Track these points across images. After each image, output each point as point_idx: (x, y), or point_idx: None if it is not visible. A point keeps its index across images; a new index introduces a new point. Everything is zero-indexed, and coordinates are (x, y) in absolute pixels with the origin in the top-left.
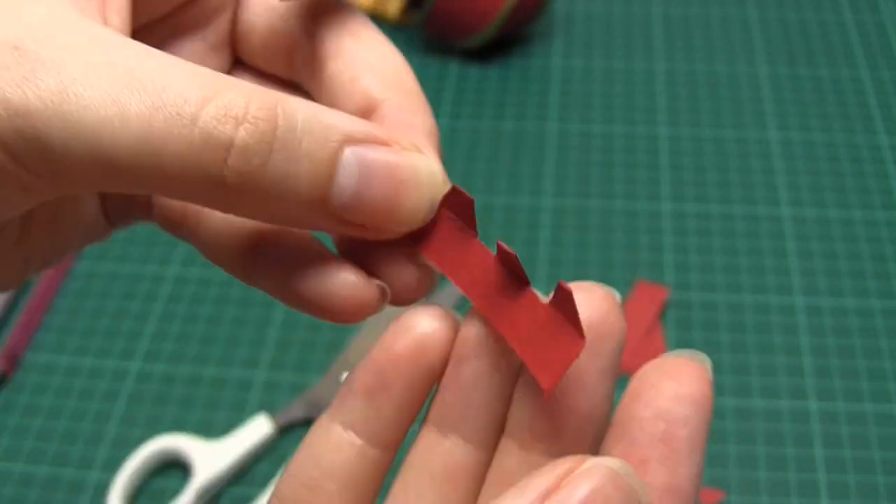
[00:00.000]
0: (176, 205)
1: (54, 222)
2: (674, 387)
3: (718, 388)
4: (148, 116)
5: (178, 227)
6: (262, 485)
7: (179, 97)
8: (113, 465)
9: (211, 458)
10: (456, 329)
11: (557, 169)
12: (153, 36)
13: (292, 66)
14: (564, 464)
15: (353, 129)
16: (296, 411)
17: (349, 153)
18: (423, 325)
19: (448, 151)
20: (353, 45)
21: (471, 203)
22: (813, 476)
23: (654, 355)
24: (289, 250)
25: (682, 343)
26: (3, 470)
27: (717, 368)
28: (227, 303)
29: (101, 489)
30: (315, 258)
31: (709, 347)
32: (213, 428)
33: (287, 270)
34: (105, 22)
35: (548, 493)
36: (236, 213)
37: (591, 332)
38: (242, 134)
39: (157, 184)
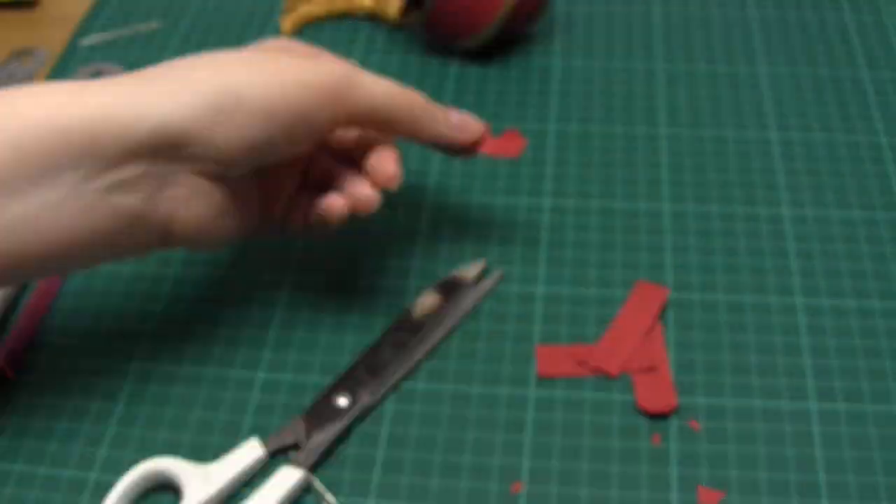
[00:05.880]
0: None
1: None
2: None
3: (719, 388)
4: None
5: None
6: None
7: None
8: (103, 488)
9: (202, 481)
10: None
11: (558, 169)
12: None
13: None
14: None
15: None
16: (286, 436)
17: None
18: None
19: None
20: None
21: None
22: (813, 476)
23: (655, 355)
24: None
25: (682, 343)
26: (3, 470)
27: (717, 368)
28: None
29: (101, 490)
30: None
31: (709, 347)
32: (204, 451)
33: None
34: None
35: None
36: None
37: None
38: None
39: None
